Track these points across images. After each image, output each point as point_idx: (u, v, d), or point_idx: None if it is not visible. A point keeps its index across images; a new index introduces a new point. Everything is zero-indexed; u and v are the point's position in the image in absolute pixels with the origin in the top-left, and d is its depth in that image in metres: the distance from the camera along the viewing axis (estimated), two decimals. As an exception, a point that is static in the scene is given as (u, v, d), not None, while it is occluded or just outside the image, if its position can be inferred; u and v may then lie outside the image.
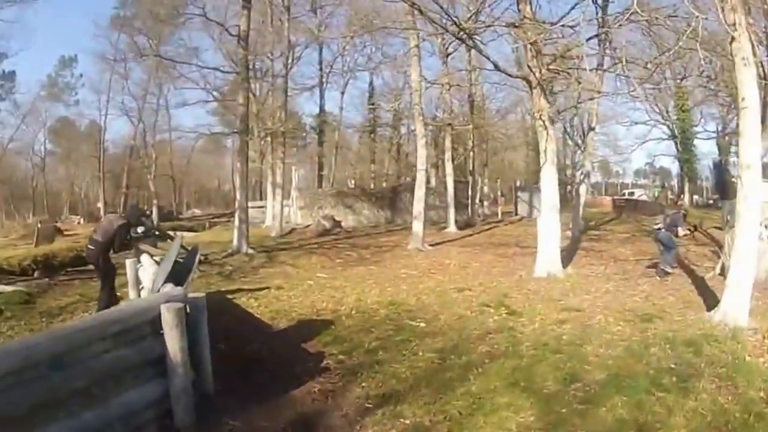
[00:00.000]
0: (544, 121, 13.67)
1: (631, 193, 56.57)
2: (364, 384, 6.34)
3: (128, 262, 9.49)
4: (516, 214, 37.29)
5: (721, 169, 49.08)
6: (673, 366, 6.57)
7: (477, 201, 37.23)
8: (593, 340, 7.77)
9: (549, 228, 13.76)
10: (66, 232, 34.37)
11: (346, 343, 8.02)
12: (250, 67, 26.10)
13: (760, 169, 8.59)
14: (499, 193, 47.32)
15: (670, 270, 13.02)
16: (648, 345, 7.45)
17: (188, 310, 5.54)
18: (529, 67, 13.51)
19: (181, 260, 7.54)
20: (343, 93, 49.44)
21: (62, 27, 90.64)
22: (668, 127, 44.83)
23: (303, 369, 6.86)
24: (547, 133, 13.73)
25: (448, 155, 30.17)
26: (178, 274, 6.58)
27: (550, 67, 13.47)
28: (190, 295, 5.83)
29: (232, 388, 6.10)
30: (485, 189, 42.77)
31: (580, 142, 26.47)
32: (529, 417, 5.38)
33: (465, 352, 7.44)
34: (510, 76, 15.98)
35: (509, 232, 25.47)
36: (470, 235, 25.10)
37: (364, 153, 52.97)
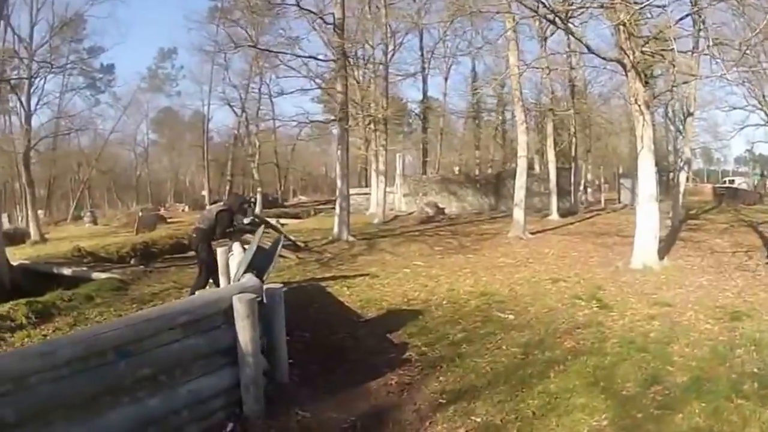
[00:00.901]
0: (639, 106, 12.94)
1: (731, 181, 52.69)
2: (441, 378, 6.17)
3: (219, 251, 9.72)
4: (619, 202, 36.12)
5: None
6: (756, 370, 6.16)
7: (581, 188, 36.24)
8: (680, 338, 7.38)
9: (646, 218, 13.05)
10: (169, 220, 36.14)
11: (431, 335, 7.85)
12: (351, 54, 26.26)
13: None
14: (602, 180, 45.88)
15: None
16: (734, 346, 7.00)
17: (264, 300, 5.60)
18: (622, 49, 12.76)
19: (265, 248, 7.61)
20: (446, 79, 49.14)
21: (159, 21, 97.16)
22: (765, 112, 42.02)
23: (384, 360, 6.75)
24: (644, 118, 12.98)
25: (550, 141, 29.36)
26: (259, 264, 6.65)
27: (644, 49, 12.68)
28: (268, 285, 5.85)
29: (310, 377, 6.11)
30: (588, 176, 41.55)
31: (681, 127, 25.24)
32: (603, 421, 5.10)
33: (549, 348, 7.16)
34: (603, 58, 15.20)
35: (611, 221, 24.46)
36: (572, 223, 24.34)
37: (469, 139, 52.33)
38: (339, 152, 21.51)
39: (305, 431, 4.97)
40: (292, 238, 18.38)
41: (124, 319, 5.52)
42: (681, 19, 13.07)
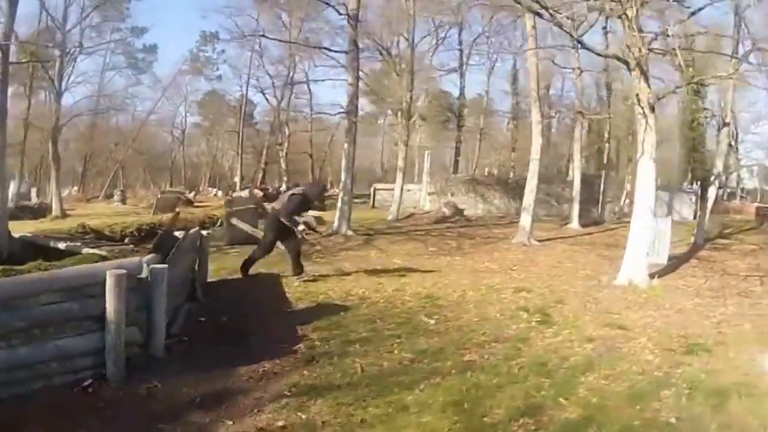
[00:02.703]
0: (642, 108, 12.23)
1: (780, 201, 50.84)
2: (306, 372, 6.37)
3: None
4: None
5: None
6: (672, 420, 5.26)
7: (622, 197, 35.97)
8: (603, 368, 6.62)
9: (641, 232, 12.48)
10: (197, 204, 36.99)
11: (336, 331, 8.09)
12: (381, 46, 26.47)
13: None
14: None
15: None
16: (663, 386, 6.08)
17: (149, 278, 6.45)
18: (627, 46, 12.11)
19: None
20: (488, 77, 49.12)
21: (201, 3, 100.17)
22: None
23: (273, 349, 7.08)
24: (646, 122, 12.22)
25: (577, 146, 28.85)
26: (166, 247, 7.56)
27: (651, 46, 12.14)
28: (154, 265, 6.62)
29: (190, 355, 6.80)
30: (629, 186, 41.02)
31: (732, 142, 24.36)
32: (431, 447, 4.90)
33: (444, 359, 6.93)
34: (599, 55, 14.61)
35: (634, 233, 23.87)
36: (591, 233, 23.61)
37: (509, 140, 52.00)
38: (346, 145, 21.86)
39: (149, 399, 5.63)
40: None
41: (12, 278, 6.78)
42: (693, 13, 12.75)
